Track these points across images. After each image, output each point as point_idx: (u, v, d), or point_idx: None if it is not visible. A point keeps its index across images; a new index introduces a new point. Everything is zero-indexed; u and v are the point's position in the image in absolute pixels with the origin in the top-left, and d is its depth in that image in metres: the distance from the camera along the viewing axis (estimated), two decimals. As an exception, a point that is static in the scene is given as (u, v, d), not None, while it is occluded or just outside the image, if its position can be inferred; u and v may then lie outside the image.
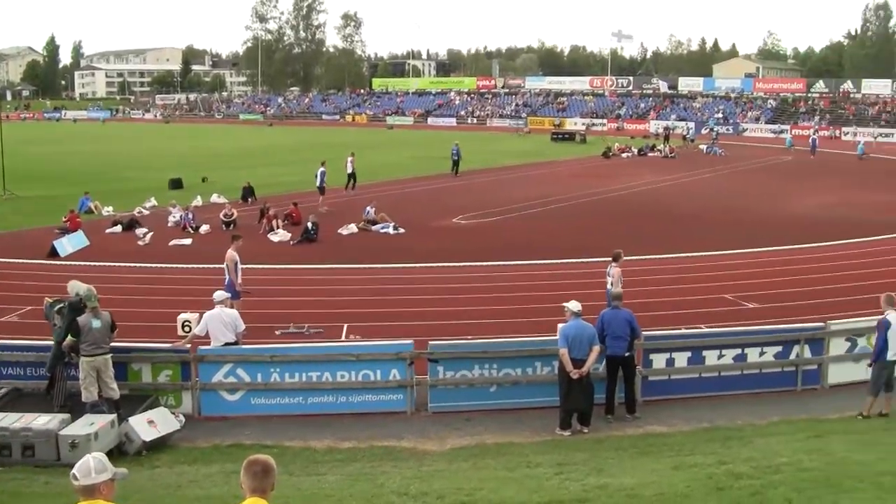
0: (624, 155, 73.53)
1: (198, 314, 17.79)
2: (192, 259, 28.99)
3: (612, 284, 18.52)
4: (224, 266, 20.27)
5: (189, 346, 15.89)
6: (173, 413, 14.74)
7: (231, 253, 20.13)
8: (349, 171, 45.85)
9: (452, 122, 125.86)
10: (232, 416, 15.31)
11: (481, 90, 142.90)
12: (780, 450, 12.37)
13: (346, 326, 20.52)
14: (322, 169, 41.21)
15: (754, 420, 14.93)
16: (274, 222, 34.25)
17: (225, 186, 46.77)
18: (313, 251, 30.83)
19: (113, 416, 13.73)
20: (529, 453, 13.22)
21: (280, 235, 33.20)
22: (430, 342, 16.11)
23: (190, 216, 35.71)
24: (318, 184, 41.08)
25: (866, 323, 16.67)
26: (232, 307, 17.09)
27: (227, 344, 15.70)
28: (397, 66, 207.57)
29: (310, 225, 32.85)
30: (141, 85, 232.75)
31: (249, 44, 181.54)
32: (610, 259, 19.61)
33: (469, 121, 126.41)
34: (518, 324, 20.47)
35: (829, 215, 39.36)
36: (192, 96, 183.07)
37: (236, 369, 15.47)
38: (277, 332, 20.03)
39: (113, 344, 14.74)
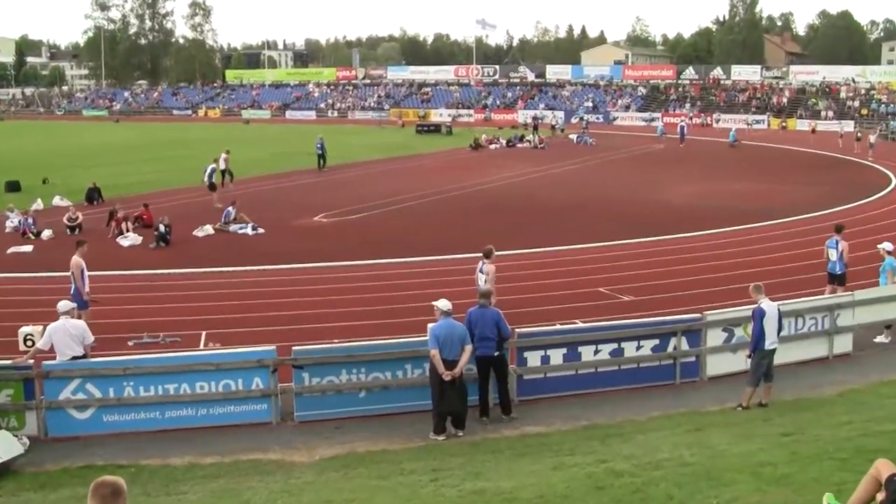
0: (492, 146, 74.35)
1: (41, 327, 17.24)
2: (33, 267, 28.06)
3: (485, 282, 18.61)
4: (69, 274, 19.74)
5: (32, 361, 15.34)
6: (16, 436, 14.18)
7: (76, 259, 19.61)
8: (223, 167, 45.37)
9: (312, 115, 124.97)
10: (83, 435, 14.86)
11: (341, 81, 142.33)
12: (660, 445, 12.65)
13: (204, 334, 20.18)
14: (212, 166, 42.49)
15: (634, 416, 15.24)
16: (123, 225, 33.45)
17: (68, 188, 45.41)
18: (167, 255, 30.21)
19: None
20: (403, 460, 13.21)
21: (131, 239, 32.43)
22: (294, 347, 15.94)
23: (30, 221, 34.58)
24: (207, 181, 42.18)
25: (742, 312, 17.20)
26: (79, 318, 16.66)
27: (74, 358, 15.23)
28: (252, 57, 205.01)
29: (162, 227, 32.16)
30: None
31: (90, 34, 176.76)
32: (481, 255, 19.74)
33: (330, 114, 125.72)
34: (386, 325, 20.47)
35: (701, 205, 40.51)
36: (28, 91, 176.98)
37: (86, 384, 15.03)
38: (130, 343, 19.59)
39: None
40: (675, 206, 40.10)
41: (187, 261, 28.98)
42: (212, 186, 41.86)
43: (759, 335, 15.26)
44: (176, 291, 24.96)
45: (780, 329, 15.63)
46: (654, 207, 39.80)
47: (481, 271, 19.31)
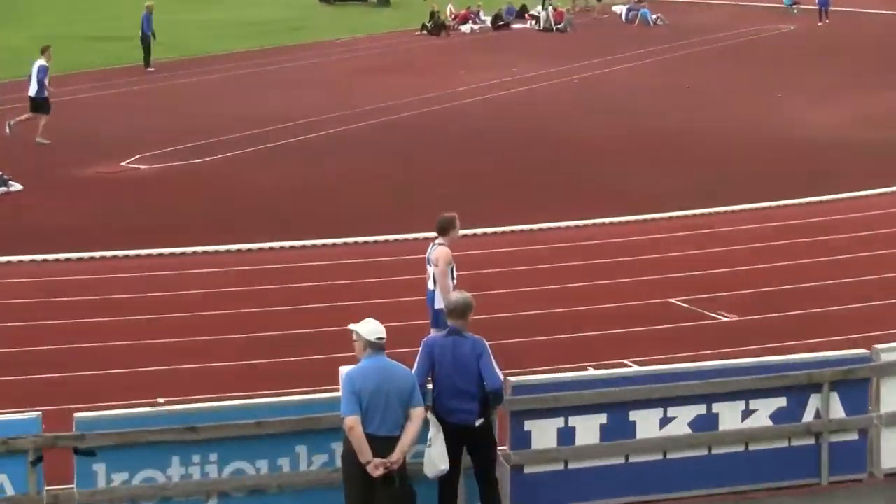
0: (465, 28, 74.26)
1: None
2: None
3: (433, 281, 18.39)
4: None
5: None
6: None
7: None
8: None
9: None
10: None
11: None
12: None
13: None
14: (42, 62, 41.19)
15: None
16: None
17: None
18: None
19: None
20: None
21: None
22: (77, 415, 15.51)
23: None
24: (35, 92, 40.86)
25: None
26: None
27: None
28: None
29: None
30: None
31: None
32: (434, 234, 19.43)
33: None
34: (260, 368, 20.33)
35: (860, 140, 40.51)
36: None
37: None
38: None
39: None
40: (812, 144, 40.27)
41: None
42: (40, 104, 40.57)
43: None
44: None
45: None
46: (773, 147, 39.93)
47: (429, 262, 19.01)
